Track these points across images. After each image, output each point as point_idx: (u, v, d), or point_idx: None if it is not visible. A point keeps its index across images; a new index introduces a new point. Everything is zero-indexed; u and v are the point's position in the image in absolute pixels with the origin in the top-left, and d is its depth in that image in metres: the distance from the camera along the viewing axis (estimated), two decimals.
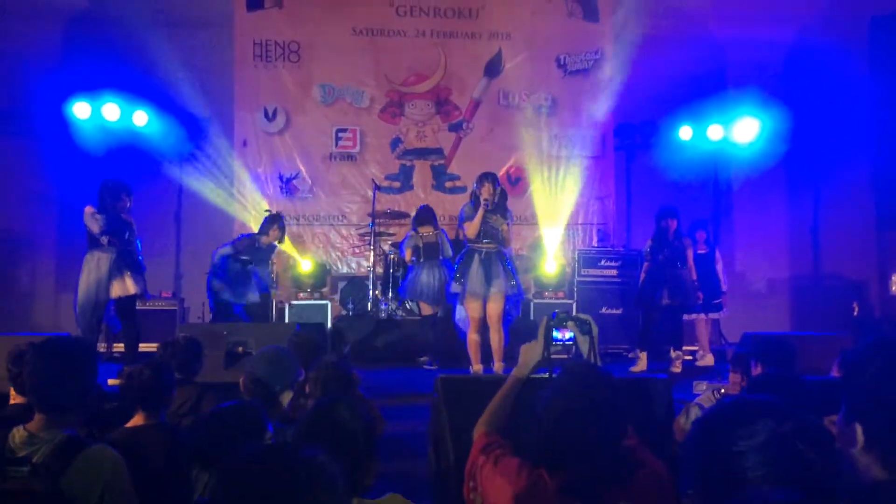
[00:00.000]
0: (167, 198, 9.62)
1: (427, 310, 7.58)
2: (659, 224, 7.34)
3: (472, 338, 6.30)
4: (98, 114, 8.99)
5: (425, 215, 7.83)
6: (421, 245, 7.59)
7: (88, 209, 6.31)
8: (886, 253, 9.84)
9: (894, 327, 8.74)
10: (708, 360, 7.72)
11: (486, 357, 6.40)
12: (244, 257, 7.41)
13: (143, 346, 6.58)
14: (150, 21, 9.53)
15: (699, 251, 7.79)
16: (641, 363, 7.13)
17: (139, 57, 9.34)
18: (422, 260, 7.55)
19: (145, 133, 9.22)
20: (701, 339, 7.88)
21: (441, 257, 7.52)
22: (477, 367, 6.27)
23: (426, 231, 7.67)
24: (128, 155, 8.89)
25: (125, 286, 6.24)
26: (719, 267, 8.10)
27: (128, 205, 6.44)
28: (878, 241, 9.95)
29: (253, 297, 7.48)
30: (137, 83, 9.13)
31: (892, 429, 1.37)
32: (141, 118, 9.13)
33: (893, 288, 9.60)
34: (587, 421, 1.96)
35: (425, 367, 7.41)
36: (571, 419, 1.96)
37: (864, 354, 1.44)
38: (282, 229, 7.69)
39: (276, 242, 7.77)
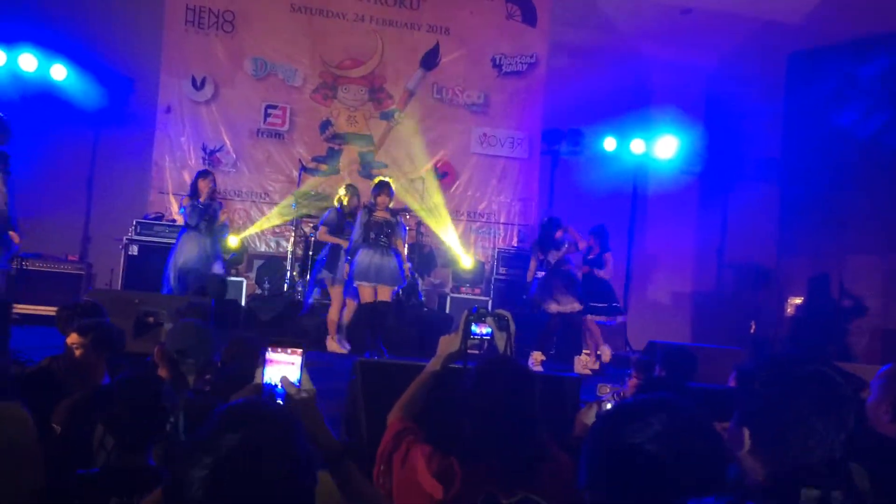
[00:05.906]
0: (80, 156, 9.23)
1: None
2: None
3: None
4: (14, 62, 8.53)
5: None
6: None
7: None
8: (784, 277, 10.41)
9: (786, 346, 9.27)
10: (583, 359, 7.47)
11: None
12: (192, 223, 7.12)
13: (44, 310, 6.33)
14: None
15: (590, 257, 7.69)
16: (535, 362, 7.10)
17: (62, 7, 8.92)
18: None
19: (63, 87, 8.80)
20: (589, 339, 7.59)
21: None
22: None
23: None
24: (43, 107, 8.50)
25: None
26: (604, 271, 7.76)
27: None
28: (778, 265, 10.52)
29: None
30: (58, 34, 8.70)
31: (774, 435, 1.50)
32: (59, 71, 8.71)
33: (789, 310, 10.17)
34: (504, 412, 2.03)
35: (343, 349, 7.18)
36: (489, 409, 2.03)
37: (757, 367, 1.59)
38: (203, 176, 7.40)
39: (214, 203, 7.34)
